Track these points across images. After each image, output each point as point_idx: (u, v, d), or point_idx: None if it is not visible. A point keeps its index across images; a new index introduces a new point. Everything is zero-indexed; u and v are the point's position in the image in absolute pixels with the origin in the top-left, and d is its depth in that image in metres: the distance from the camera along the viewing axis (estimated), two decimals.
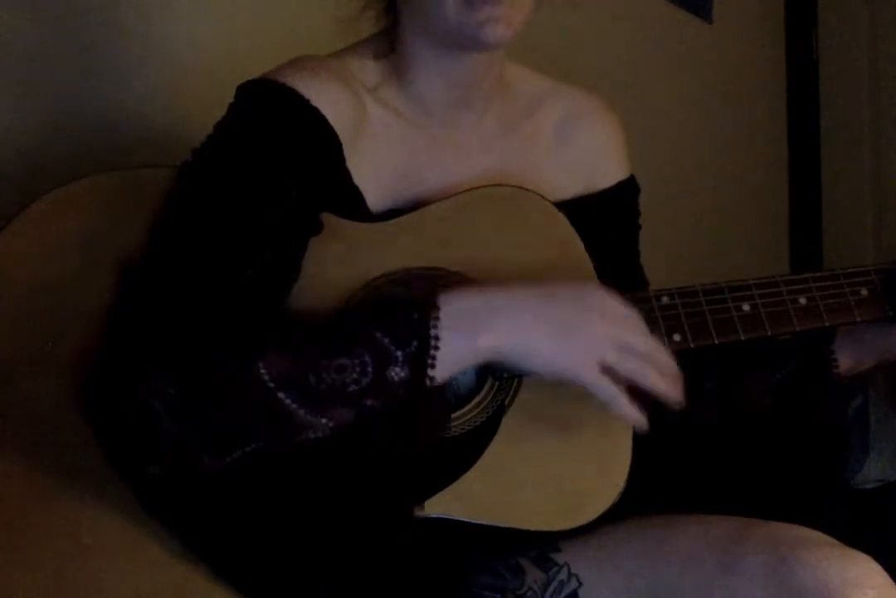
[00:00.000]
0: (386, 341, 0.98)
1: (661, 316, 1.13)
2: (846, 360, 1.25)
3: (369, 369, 0.97)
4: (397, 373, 0.98)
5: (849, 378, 1.26)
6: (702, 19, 2.54)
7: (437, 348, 0.99)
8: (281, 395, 0.96)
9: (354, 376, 0.97)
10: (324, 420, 0.98)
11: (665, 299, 1.14)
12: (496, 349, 1.01)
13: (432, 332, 0.99)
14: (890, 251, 2.65)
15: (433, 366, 0.99)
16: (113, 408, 0.98)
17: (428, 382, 0.99)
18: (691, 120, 2.52)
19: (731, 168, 2.64)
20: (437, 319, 1.00)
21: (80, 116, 1.44)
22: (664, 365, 1.05)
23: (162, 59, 1.52)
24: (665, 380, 1.04)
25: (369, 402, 0.98)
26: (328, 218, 1.09)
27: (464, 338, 1.00)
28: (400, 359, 0.98)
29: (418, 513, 1.08)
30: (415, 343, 0.99)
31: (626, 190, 1.30)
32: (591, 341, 1.02)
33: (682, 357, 1.08)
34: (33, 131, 1.40)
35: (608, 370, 1.03)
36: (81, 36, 1.44)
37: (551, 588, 1.14)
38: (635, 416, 1.04)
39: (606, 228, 1.12)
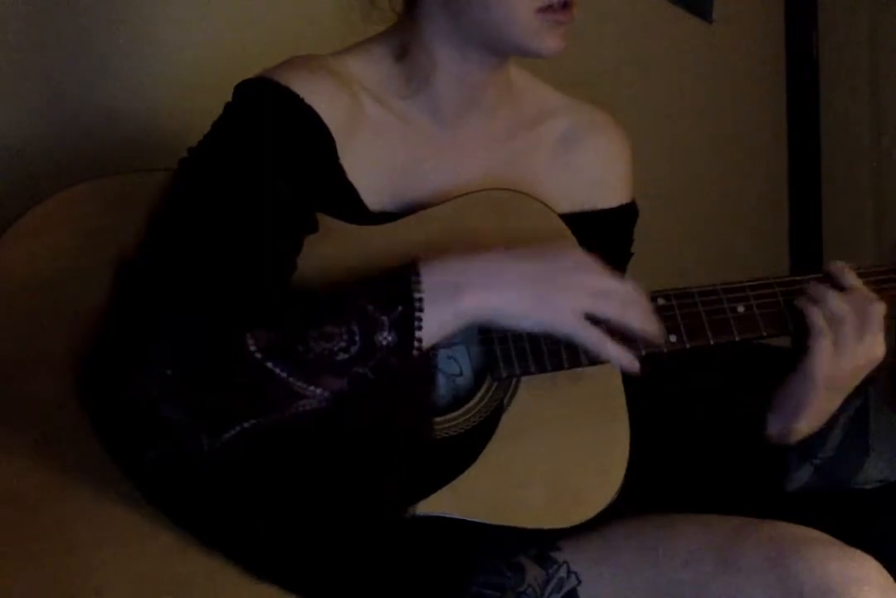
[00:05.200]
0: (370, 307, 1.00)
1: (657, 317, 1.13)
2: (778, 418, 1.20)
3: (357, 336, 0.99)
4: (385, 337, 1.00)
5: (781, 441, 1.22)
6: (702, 19, 2.54)
7: (421, 309, 1.01)
8: (269, 364, 0.97)
9: (343, 344, 0.99)
10: (317, 390, 0.99)
11: (661, 301, 1.14)
12: (479, 310, 1.03)
13: (415, 295, 1.01)
14: (890, 251, 2.65)
15: (420, 327, 1.01)
16: (110, 393, 0.99)
17: (416, 344, 1.01)
18: (691, 120, 2.52)
19: (730, 168, 2.63)
20: (419, 282, 1.01)
21: (81, 120, 1.44)
22: (641, 302, 1.08)
23: (165, 61, 1.53)
24: (645, 319, 1.07)
25: (360, 369, 1.00)
26: (325, 220, 1.10)
27: (446, 300, 1.02)
28: (386, 324, 1.00)
29: (412, 512, 1.09)
30: (399, 307, 1.00)
31: (626, 215, 1.29)
32: (571, 293, 1.05)
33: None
34: (35, 134, 1.40)
35: (591, 318, 1.05)
36: (83, 36, 1.44)
37: (551, 586, 1.15)
38: (625, 357, 1.07)
39: (599, 249, 1.14)
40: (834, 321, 1.13)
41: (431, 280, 1.02)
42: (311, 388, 0.99)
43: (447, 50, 1.14)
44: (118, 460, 1.05)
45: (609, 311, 1.06)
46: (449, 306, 1.02)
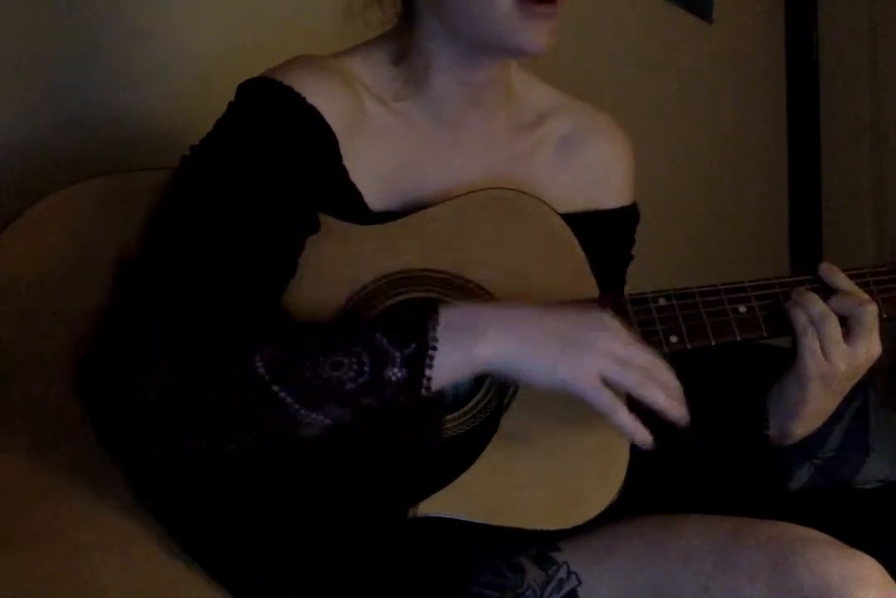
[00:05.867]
0: (385, 341, 0.99)
1: (658, 318, 1.13)
2: (775, 420, 1.21)
3: (366, 368, 0.98)
4: (395, 373, 0.99)
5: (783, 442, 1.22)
6: (702, 19, 2.54)
7: (435, 348, 0.99)
8: (275, 388, 0.97)
9: (351, 374, 0.98)
10: (320, 417, 0.99)
11: (662, 301, 1.14)
12: (494, 359, 1.01)
13: (430, 334, 1.00)
14: (890, 251, 2.66)
15: (430, 366, 0.99)
16: (110, 393, 0.99)
17: (425, 383, 1.00)
18: (691, 120, 2.52)
19: (730, 168, 2.63)
20: (436, 322, 1.00)
21: (82, 118, 1.44)
22: (666, 380, 1.03)
23: (162, 60, 1.53)
24: (667, 394, 1.03)
25: (365, 401, 0.99)
26: (327, 220, 1.10)
27: (462, 345, 1.00)
28: (398, 360, 0.99)
29: (412, 513, 1.09)
30: (413, 345, 0.99)
31: (628, 217, 1.29)
32: (592, 355, 1.01)
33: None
34: (35, 133, 1.40)
35: (608, 384, 1.01)
36: (83, 36, 1.44)
37: (550, 587, 1.14)
38: (638, 429, 1.02)
39: (600, 250, 1.13)
40: (816, 322, 1.14)
41: (450, 322, 1.00)
42: (313, 415, 0.98)
43: (441, 51, 1.14)
44: (118, 461, 1.04)
45: (627, 381, 1.02)
46: (464, 350, 1.00)
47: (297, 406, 0.98)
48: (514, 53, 1.13)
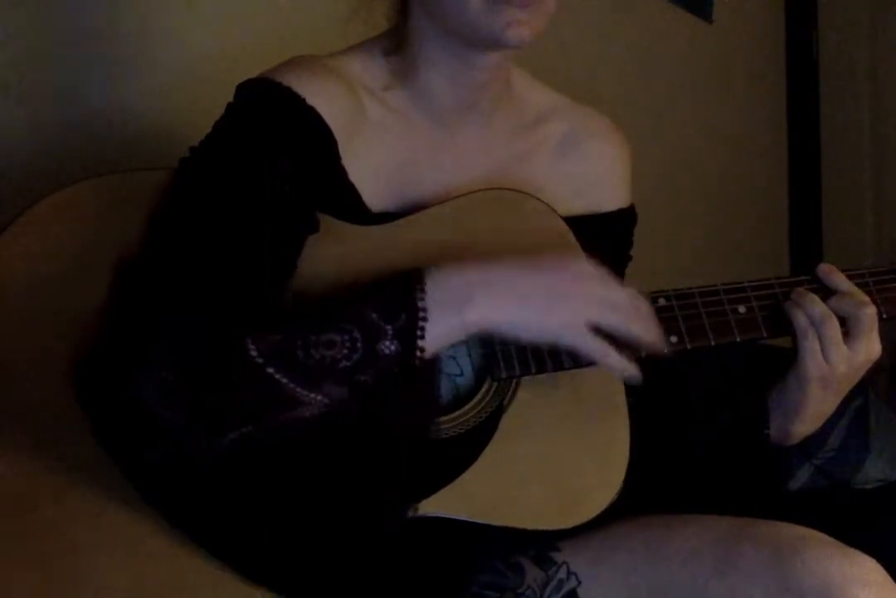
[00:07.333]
0: (374, 315, 0.99)
1: (658, 318, 1.13)
2: (775, 421, 1.21)
3: (359, 344, 0.99)
4: (387, 346, 0.99)
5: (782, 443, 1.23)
6: (702, 19, 2.54)
7: (425, 319, 1.00)
8: (270, 370, 0.97)
9: (345, 351, 0.98)
10: (318, 397, 0.99)
11: (662, 301, 1.14)
12: (483, 322, 1.03)
13: (419, 304, 1.01)
14: (890, 251, 2.66)
15: (422, 337, 1.00)
16: (110, 394, 0.99)
17: (419, 353, 1.00)
18: (691, 120, 2.52)
19: (731, 168, 2.64)
20: (423, 292, 1.01)
21: (82, 118, 1.44)
22: (646, 314, 1.08)
23: (162, 61, 1.53)
24: (648, 328, 1.07)
25: (362, 377, 0.99)
26: (326, 220, 1.10)
27: (451, 311, 1.02)
28: (389, 332, 0.99)
29: (413, 513, 1.09)
30: (403, 316, 1.00)
31: (626, 219, 1.30)
32: (576, 305, 1.05)
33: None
34: (35, 133, 1.40)
35: (594, 328, 1.05)
36: (80, 37, 1.44)
37: (550, 587, 1.14)
38: (629, 367, 1.07)
39: (598, 252, 1.14)
40: (816, 324, 1.14)
41: (436, 291, 1.02)
42: (312, 395, 0.99)
43: (431, 49, 1.14)
44: (118, 461, 1.04)
45: (613, 322, 1.06)
46: (453, 317, 1.02)
47: (292, 386, 0.98)
48: (491, 45, 1.11)
